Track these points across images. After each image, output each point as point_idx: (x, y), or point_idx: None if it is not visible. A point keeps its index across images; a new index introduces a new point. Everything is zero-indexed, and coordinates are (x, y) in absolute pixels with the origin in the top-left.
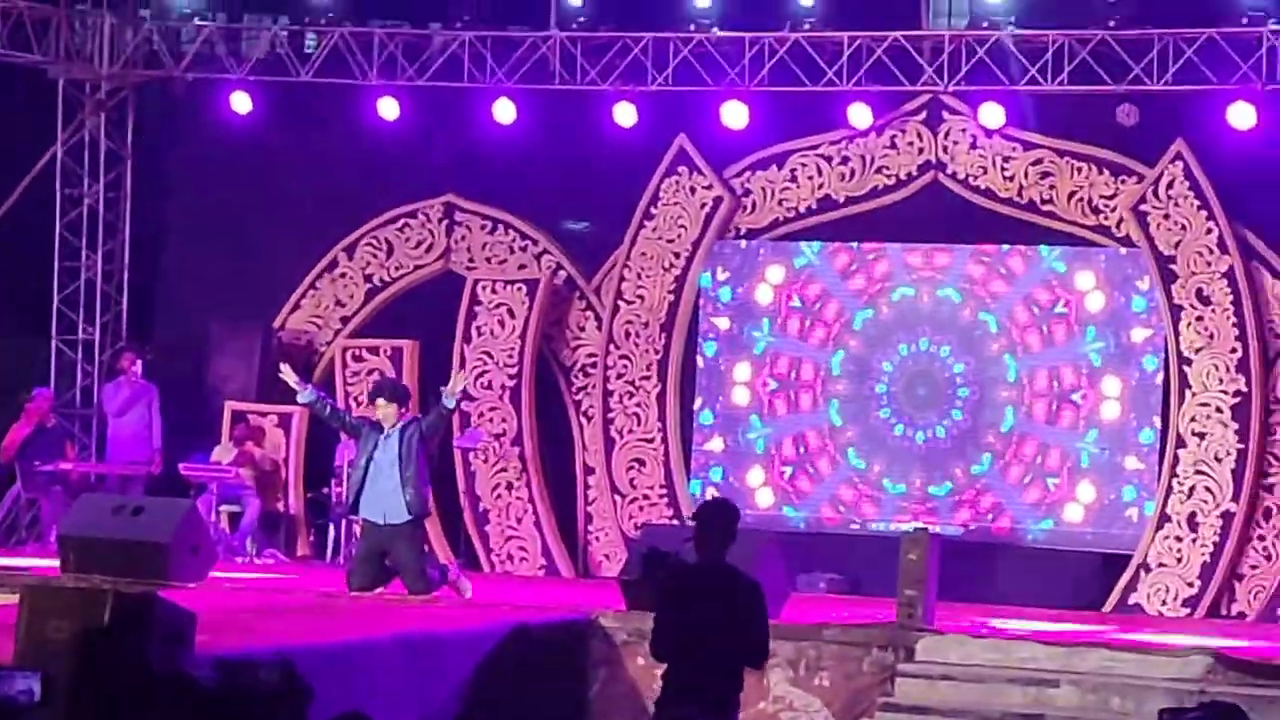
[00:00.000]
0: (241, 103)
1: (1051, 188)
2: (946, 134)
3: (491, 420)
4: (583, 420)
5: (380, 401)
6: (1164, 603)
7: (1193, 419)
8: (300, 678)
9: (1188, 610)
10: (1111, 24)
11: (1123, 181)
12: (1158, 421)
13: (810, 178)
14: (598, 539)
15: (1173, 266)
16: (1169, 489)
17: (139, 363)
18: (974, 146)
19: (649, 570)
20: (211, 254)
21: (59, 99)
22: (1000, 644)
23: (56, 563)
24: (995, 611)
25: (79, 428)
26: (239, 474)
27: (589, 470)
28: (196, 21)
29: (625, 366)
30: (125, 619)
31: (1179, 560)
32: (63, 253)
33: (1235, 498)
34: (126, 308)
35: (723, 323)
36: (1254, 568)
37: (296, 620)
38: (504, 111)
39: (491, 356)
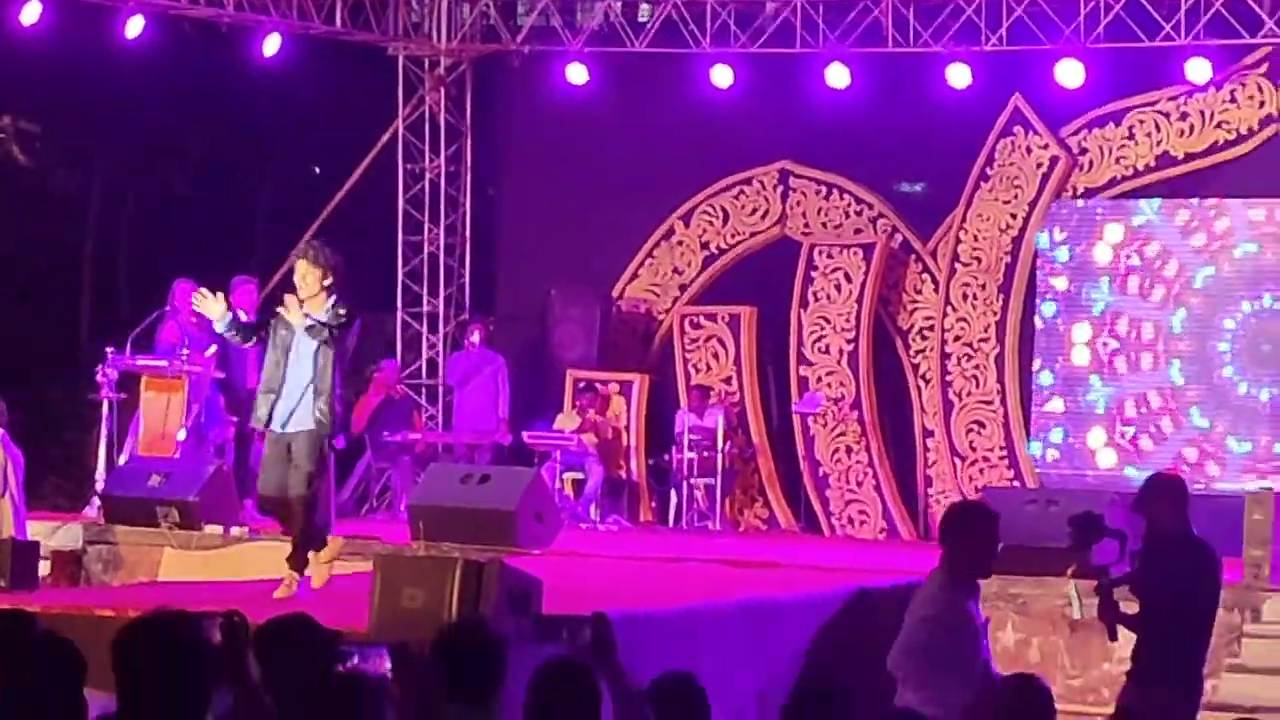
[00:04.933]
0: (577, 74)
1: None
2: None
3: (830, 385)
4: (921, 383)
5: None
6: None
7: None
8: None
9: None
10: None
11: None
12: None
13: (1148, 135)
14: (938, 501)
15: None
16: None
17: (482, 333)
18: None
19: (1083, 537)
20: (550, 225)
21: (399, 76)
22: None
23: (407, 531)
24: None
25: (426, 398)
26: (582, 441)
27: (928, 433)
28: None
29: (963, 329)
30: (473, 585)
31: None
32: (406, 227)
33: None
34: (469, 280)
35: (1061, 283)
36: None
37: (641, 585)
38: (837, 76)
39: (828, 321)
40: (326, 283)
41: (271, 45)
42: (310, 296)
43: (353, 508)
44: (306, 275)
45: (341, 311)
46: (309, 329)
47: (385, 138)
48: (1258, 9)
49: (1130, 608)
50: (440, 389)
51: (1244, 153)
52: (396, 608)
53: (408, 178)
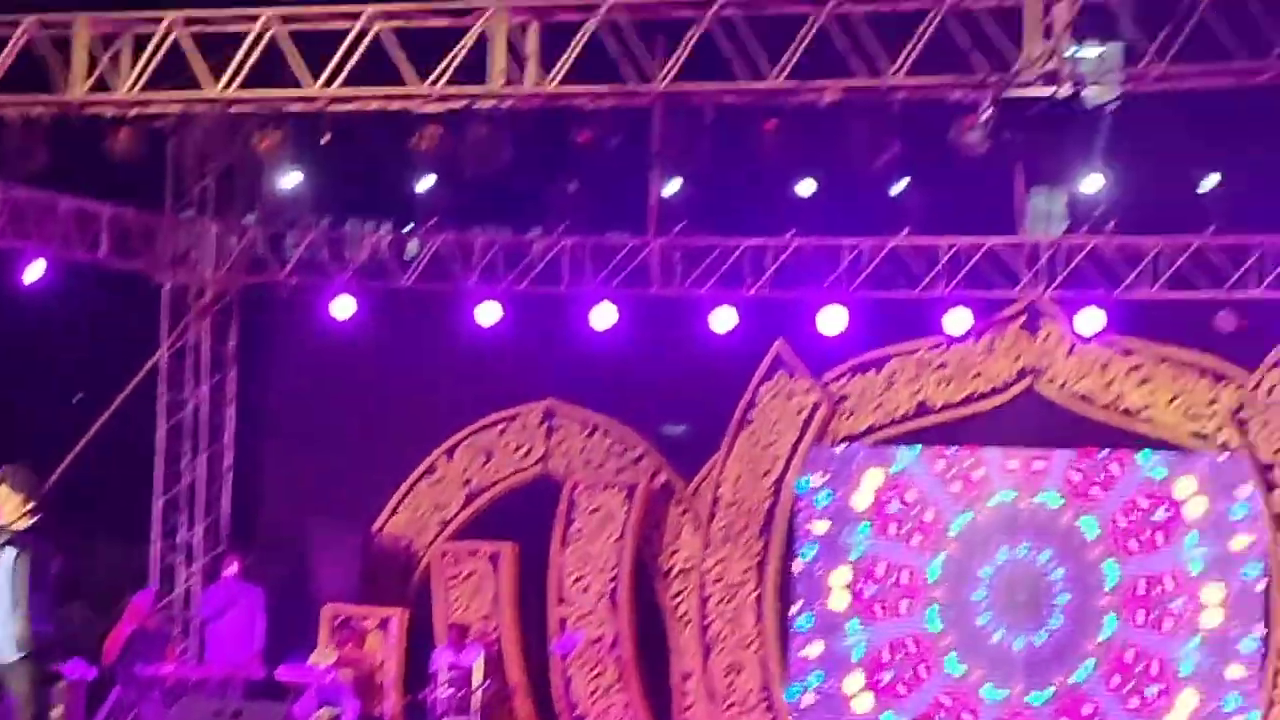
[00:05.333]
0: (344, 307)
1: (1151, 393)
2: (1044, 339)
3: (589, 624)
4: (680, 625)
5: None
6: None
7: None
8: None
9: None
10: (1210, 230)
11: (1222, 387)
12: (1260, 629)
13: (908, 382)
14: None
15: (1273, 474)
16: (1271, 700)
17: (239, 565)
18: (1072, 352)
19: None
20: (313, 457)
21: (165, 305)
22: None
23: None
24: None
25: (180, 630)
26: (337, 677)
27: (686, 675)
28: (300, 227)
29: (723, 570)
30: None
31: None
32: (167, 456)
33: None
34: (229, 510)
35: (820, 527)
36: None
37: None
38: (603, 316)
39: (589, 561)
40: (29, 506)
41: (34, 271)
42: (12, 522)
43: None
44: (6, 501)
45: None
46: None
47: (149, 365)
48: (1016, 263)
49: None
50: (195, 621)
51: (1001, 403)
52: None
53: (170, 406)
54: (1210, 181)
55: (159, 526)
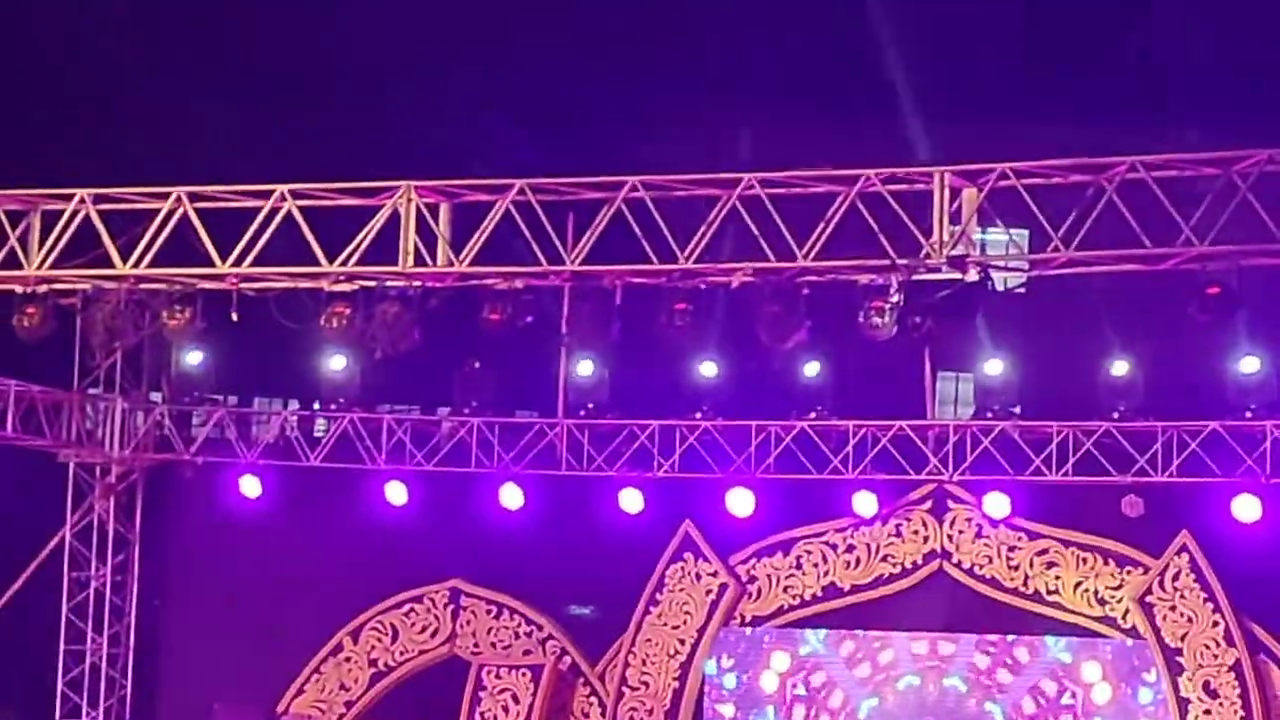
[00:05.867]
0: (251, 486)
1: (1057, 578)
2: (952, 523)
3: None
4: None
5: None
6: None
7: None
8: None
9: None
10: (1115, 416)
11: (1128, 572)
12: None
13: (815, 565)
14: None
15: (1179, 659)
16: None
17: None
18: (979, 536)
19: None
20: (217, 637)
21: (69, 482)
22: None
23: None
24: None
25: None
26: None
27: None
28: (207, 406)
29: None
30: None
31: None
32: (68, 636)
33: None
34: (130, 691)
35: (727, 710)
36: None
37: None
38: (511, 497)
39: None
40: None
41: None
42: None
43: None
44: None
45: None
46: None
47: (51, 544)
48: (923, 447)
49: None
50: None
51: (908, 586)
52: None
53: (73, 586)
54: (1117, 367)
55: (60, 707)
